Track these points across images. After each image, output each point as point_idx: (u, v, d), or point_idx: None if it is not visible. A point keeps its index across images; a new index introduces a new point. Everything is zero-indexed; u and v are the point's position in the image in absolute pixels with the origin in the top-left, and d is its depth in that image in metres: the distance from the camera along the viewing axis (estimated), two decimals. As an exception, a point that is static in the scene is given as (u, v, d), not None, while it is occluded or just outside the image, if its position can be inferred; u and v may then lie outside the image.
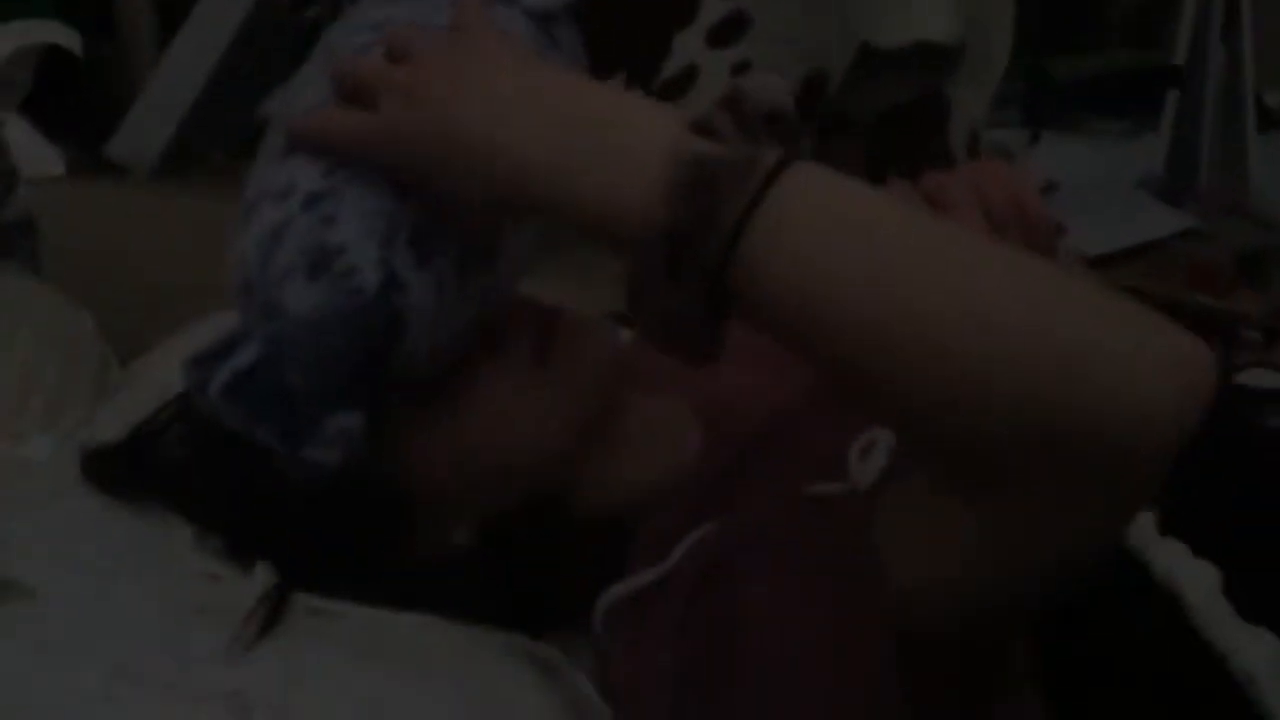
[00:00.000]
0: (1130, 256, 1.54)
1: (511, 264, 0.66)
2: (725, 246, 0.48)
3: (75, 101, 1.86)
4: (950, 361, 0.45)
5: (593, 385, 0.73)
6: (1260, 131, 1.78)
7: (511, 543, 0.73)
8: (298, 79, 0.68)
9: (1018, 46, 1.35)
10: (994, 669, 0.62)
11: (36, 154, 1.75)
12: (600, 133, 0.53)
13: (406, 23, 0.64)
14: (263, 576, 0.70)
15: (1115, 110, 1.81)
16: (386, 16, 0.66)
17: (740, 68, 1.41)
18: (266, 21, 1.80)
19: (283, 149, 0.63)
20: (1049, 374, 0.44)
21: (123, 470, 0.78)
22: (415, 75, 0.58)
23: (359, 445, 0.61)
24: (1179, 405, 0.45)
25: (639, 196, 0.50)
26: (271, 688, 0.64)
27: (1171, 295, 1.39)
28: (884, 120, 1.36)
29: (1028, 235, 0.65)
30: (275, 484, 0.68)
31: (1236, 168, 1.76)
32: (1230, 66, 1.78)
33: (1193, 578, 0.60)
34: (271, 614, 0.68)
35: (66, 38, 1.82)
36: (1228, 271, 1.50)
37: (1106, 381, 0.44)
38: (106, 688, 0.63)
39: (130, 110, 1.83)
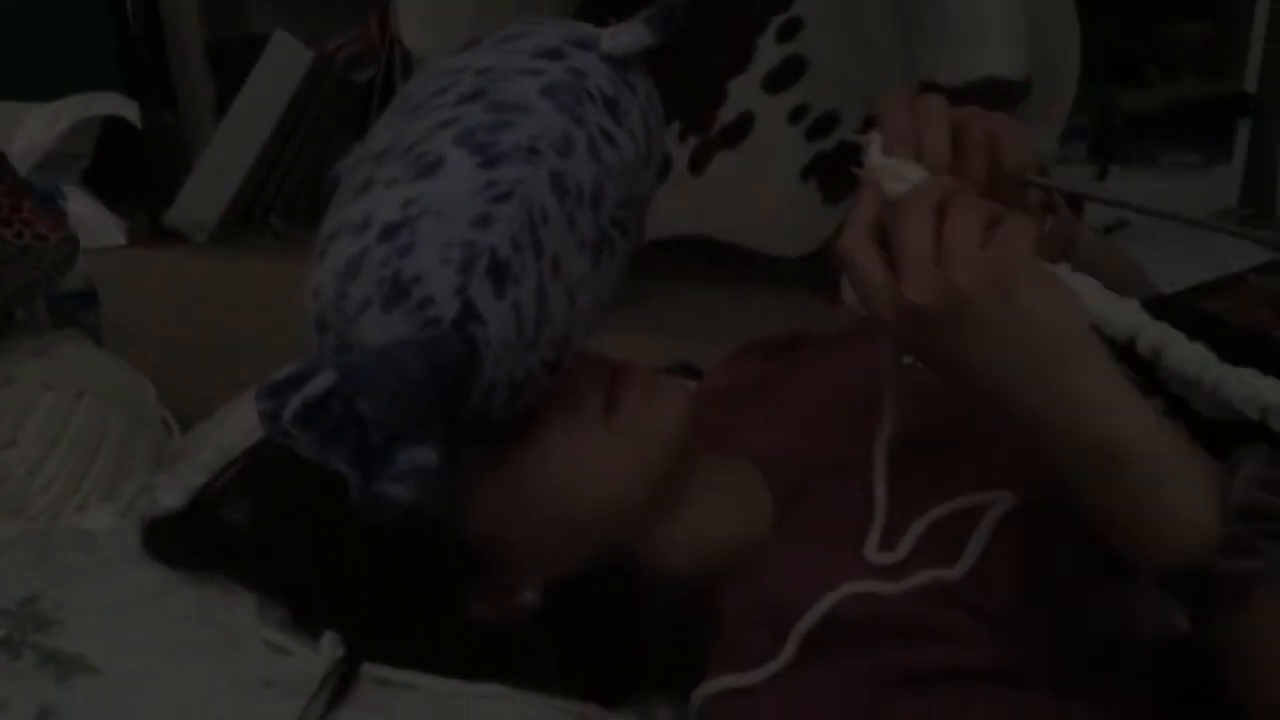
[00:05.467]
0: (1209, 291, 1.50)
1: (591, 308, 0.65)
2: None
3: (135, 171, 1.89)
4: None
5: (663, 442, 0.71)
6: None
7: (579, 604, 0.71)
8: (375, 133, 0.67)
9: (1084, 80, 1.32)
10: None
11: (97, 224, 1.78)
12: (1125, 481, 0.55)
13: (489, 69, 0.64)
14: (329, 648, 0.69)
15: (1186, 142, 1.78)
16: (465, 64, 0.65)
17: (798, 113, 1.39)
18: (320, 87, 1.83)
19: (358, 189, 0.62)
20: None
21: (183, 540, 0.77)
22: (955, 279, 0.56)
23: (431, 484, 0.59)
24: None
25: (1136, 550, 0.55)
26: (341, 765, 0.62)
27: (1258, 329, 1.34)
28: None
29: (994, 167, 0.64)
30: (342, 541, 0.67)
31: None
32: (1304, 92, 1.75)
33: None
34: (340, 687, 0.67)
35: (126, 109, 1.85)
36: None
37: None
38: (172, 768, 0.61)
39: (188, 178, 1.86)
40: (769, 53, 1.35)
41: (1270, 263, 1.58)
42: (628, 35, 0.66)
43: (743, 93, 1.38)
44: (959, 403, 0.69)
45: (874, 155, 0.63)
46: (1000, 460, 0.69)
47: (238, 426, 0.94)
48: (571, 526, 0.70)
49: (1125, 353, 0.58)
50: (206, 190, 1.85)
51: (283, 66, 1.82)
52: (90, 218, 1.78)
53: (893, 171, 0.62)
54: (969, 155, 0.64)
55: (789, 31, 1.32)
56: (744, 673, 0.66)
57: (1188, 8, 1.88)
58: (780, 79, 1.37)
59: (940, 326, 0.57)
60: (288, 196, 1.88)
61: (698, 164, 1.42)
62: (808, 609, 0.65)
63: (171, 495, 0.85)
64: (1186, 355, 0.56)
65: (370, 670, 0.69)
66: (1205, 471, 0.54)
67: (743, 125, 1.40)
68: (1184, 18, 1.88)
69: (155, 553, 0.77)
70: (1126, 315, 0.57)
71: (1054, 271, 0.58)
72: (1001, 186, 0.65)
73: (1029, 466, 0.67)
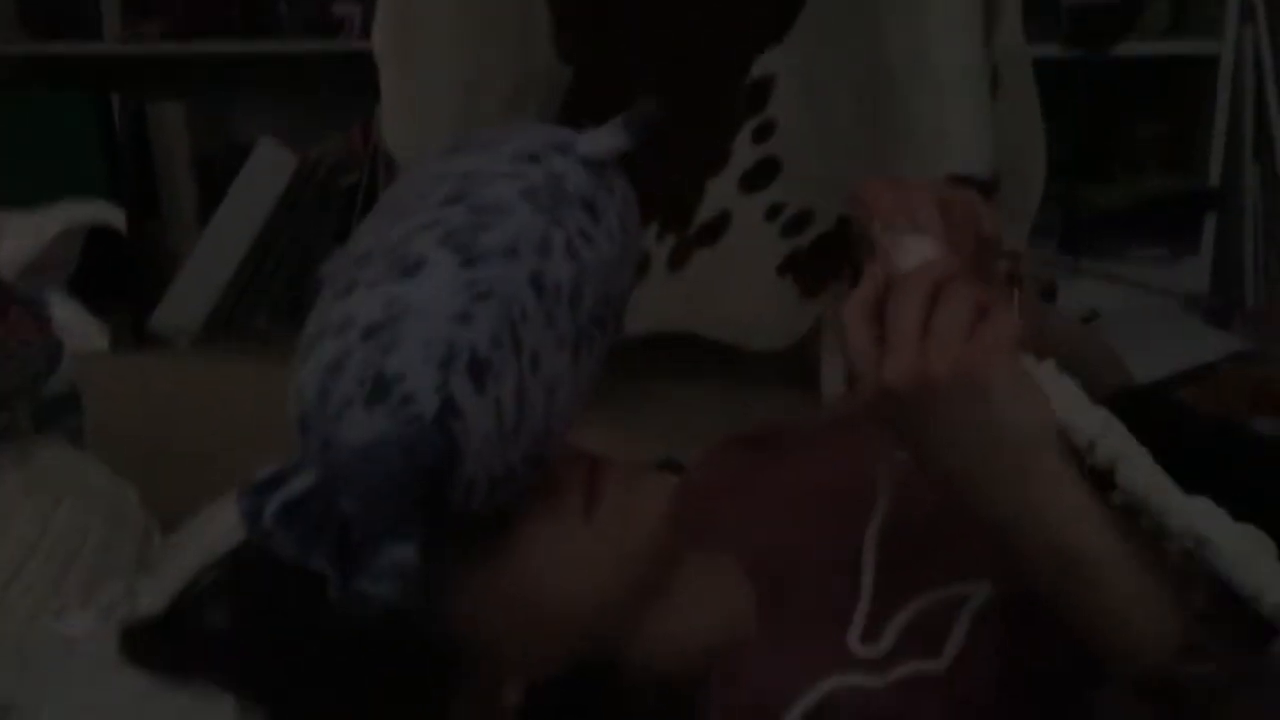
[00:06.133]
0: (1183, 381, 1.51)
1: (570, 403, 0.66)
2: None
3: (119, 278, 1.90)
4: None
5: (643, 538, 0.71)
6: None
7: (562, 703, 0.70)
8: (358, 235, 0.69)
9: (1050, 176, 1.35)
10: None
11: (81, 329, 1.78)
12: (1084, 586, 0.56)
13: (470, 173, 0.65)
14: (310, 753, 0.68)
15: (1153, 236, 1.81)
16: (446, 168, 0.67)
17: (773, 211, 1.42)
18: (304, 192, 1.85)
19: (341, 291, 0.64)
20: None
21: (163, 645, 0.76)
22: (931, 366, 0.57)
23: (413, 580, 0.59)
24: None
25: (1099, 648, 0.56)
26: None
27: (1232, 419, 1.35)
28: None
29: (980, 260, 0.65)
30: (322, 644, 0.67)
31: (1280, 287, 1.75)
32: (1267, 186, 1.78)
33: None
34: (319, 792, 0.66)
35: (111, 216, 1.87)
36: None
37: None
38: None
39: (172, 284, 1.87)
40: (744, 154, 1.37)
41: (1243, 352, 1.60)
42: (604, 139, 0.68)
43: (720, 192, 1.40)
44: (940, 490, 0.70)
45: (880, 231, 0.64)
46: (982, 548, 0.69)
47: (220, 529, 0.93)
48: (553, 623, 0.70)
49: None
50: (190, 295, 1.86)
51: (267, 171, 1.84)
52: (74, 323, 1.78)
53: (903, 245, 0.62)
54: (956, 228, 0.65)
55: (763, 133, 1.35)
56: None
57: (1149, 106, 1.94)
58: (756, 179, 1.39)
59: (910, 411, 0.58)
60: (272, 300, 1.89)
61: (677, 261, 1.44)
62: (794, 704, 0.65)
63: (152, 599, 0.84)
64: (1137, 476, 0.56)
65: (350, 776, 0.68)
66: (1162, 579, 0.55)
67: (720, 223, 1.43)
68: (1146, 116, 1.93)
69: (134, 657, 0.76)
70: (1091, 424, 0.57)
71: (1032, 372, 0.59)
72: (979, 259, 0.66)
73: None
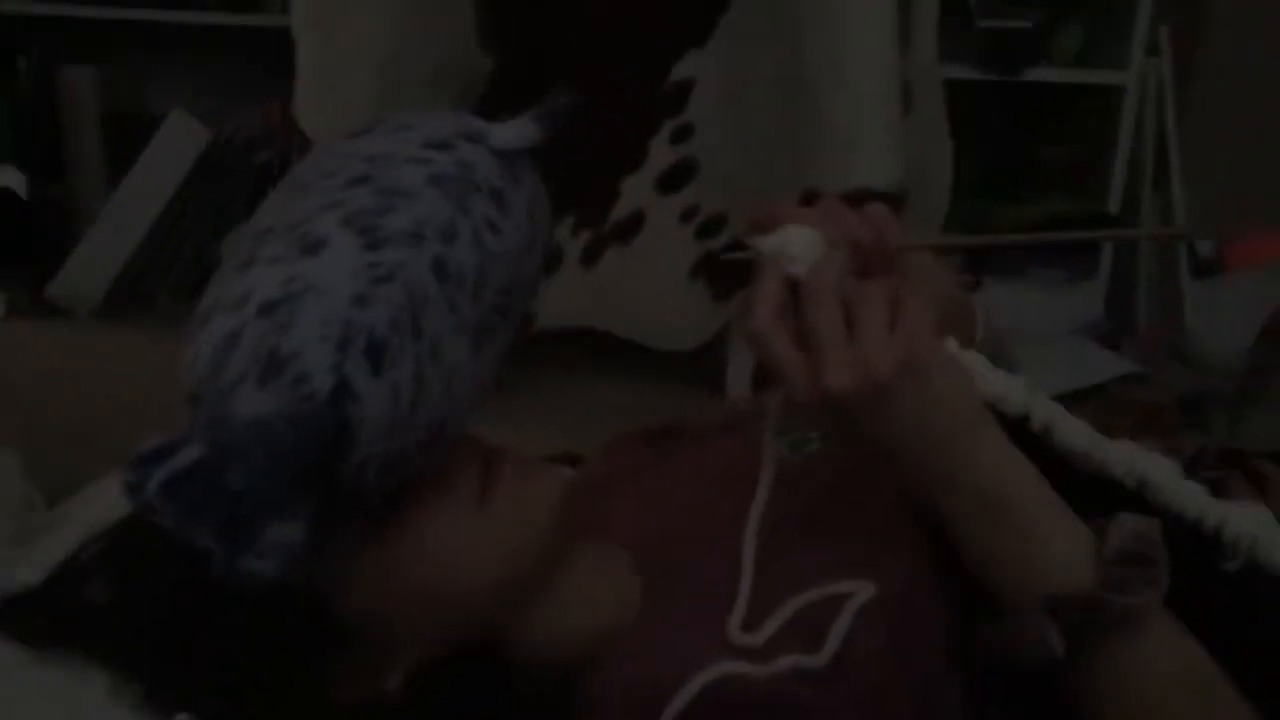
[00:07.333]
0: (1074, 400, 1.56)
1: (469, 392, 0.66)
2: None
3: (20, 243, 1.85)
4: None
5: (535, 526, 0.72)
6: (1194, 278, 1.85)
7: (446, 689, 0.70)
8: (261, 211, 0.68)
9: (960, 196, 1.38)
10: None
11: (-25, 294, 1.73)
12: (1018, 529, 0.63)
13: (374, 155, 0.66)
14: (184, 730, 0.67)
15: (1053, 258, 1.87)
16: (355, 149, 0.67)
17: (688, 213, 1.43)
18: (216, 166, 1.82)
19: (240, 265, 0.63)
20: None
21: (38, 618, 0.75)
22: (873, 366, 0.62)
23: (297, 559, 0.59)
24: None
25: (1024, 585, 0.62)
26: None
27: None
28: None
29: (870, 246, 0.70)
30: (202, 620, 0.66)
31: (1172, 313, 1.82)
32: (1162, 215, 1.86)
33: None
34: (191, 771, 0.65)
35: (12, 180, 1.82)
36: (1172, 415, 1.53)
37: None
38: None
39: (74, 253, 1.83)
40: (662, 154, 1.38)
41: (1131, 374, 1.66)
42: (516, 131, 0.68)
43: (635, 191, 1.41)
44: (828, 491, 0.72)
45: (763, 242, 0.67)
46: (865, 547, 0.71)
47: (106, 503, 0.91)
48: (440, 608, 0.70)
49: (1016, 425, 0.66)
50: (91, 266, 1.81)
51: (178, 144, 1.80)
52: (-32, 287, 1.73)
53: (787, 249, 0.66)
54: (828, 219, 0.69)
55: (681, 135, 1.36)
56: None
57: (1057, 131, 1.99)
58: (672, 180, 1.40)
59: (858, 407, 0.63)
60: (177, 274, 1.85)
61: (590, 258, 1.45)
62: (678, 691, 0.66)
63: (30, 571, 0.82)
64: (1074, 431, 0.65)
65: (224, 755, 0.67)
66: (1076, 520, 0.63)
67: (635, 222, 1.43)
68: (1053, 140, 1.99)
69: (8, 630, 0.74)
70: (1019, 394, 0.65)
71: (950, 351, 0.65)
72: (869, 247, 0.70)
73: (892, 554, 0.70)
